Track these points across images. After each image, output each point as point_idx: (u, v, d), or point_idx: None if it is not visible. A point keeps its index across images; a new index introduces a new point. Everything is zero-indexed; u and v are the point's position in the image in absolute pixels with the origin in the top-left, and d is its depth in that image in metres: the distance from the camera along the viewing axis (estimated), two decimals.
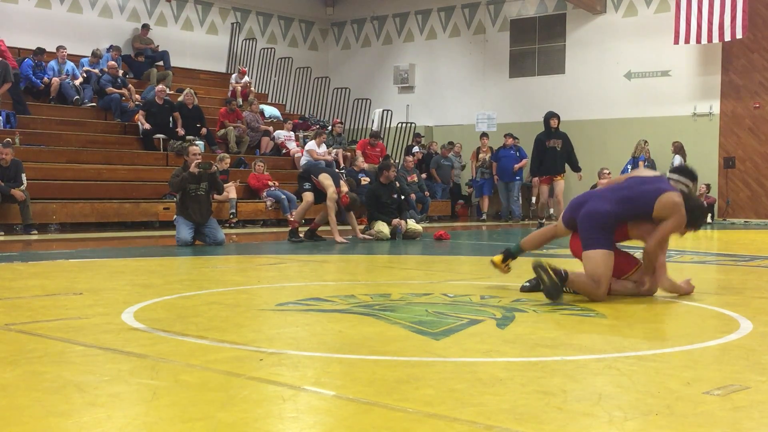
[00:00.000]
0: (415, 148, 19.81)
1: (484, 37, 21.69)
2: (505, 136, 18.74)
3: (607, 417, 2.64)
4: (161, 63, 19.26)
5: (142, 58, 18.96)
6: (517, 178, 18.63)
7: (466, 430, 2.51)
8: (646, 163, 17.98)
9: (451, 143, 20.30)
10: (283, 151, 18.07)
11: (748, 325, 4.42)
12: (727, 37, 17.74)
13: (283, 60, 21.73)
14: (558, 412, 2.69)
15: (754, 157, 18.17)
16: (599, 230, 5.35)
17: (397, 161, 19.01)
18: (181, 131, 16.00)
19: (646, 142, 18.07)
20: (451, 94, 22.05)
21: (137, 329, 4.21)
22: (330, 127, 19.68)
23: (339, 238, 10.81)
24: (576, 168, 14.89)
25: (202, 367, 3.32)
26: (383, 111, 21.18)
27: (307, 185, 11.25)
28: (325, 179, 11.13)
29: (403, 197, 12.58)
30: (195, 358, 3.49)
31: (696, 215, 5.48)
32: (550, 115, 14.39)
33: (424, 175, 18.78)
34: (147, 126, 15.86)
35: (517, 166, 18.47)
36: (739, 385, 3.06)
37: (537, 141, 14.43)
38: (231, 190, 14.40)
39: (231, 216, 14.45)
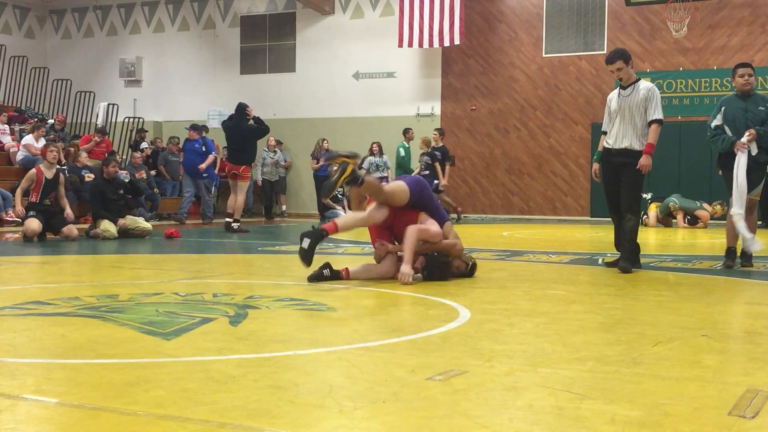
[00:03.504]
0: (144, 144, 19.16)
1: (214, 33, 21.48)
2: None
3: (337, 407, 2.71)
4: None
5: None
6: (205, 174, 17.68)
7: (198, 429, 2.48)
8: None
9: (175, 137, 19.54)
10: None
11: (467, 313, 4.74)
12: (446, 43, 18.85)
13: None
14: (291, 406, 2.73)
15: (472, 156, 19.42)
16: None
17: (124, 157, 18.32)
18: None
19: (324, 140, 18.63)
20: (180, 89, 21.61)
21: None
22: (51, 121, 18.58)
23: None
24: None
25: None
26: (108, 105, 20.31)
27: None
28: None
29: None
30: None
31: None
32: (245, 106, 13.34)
33: (153, 172, 18.21)
34: None
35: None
36: (458, 370, 3.26)
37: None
38: None
39: None
